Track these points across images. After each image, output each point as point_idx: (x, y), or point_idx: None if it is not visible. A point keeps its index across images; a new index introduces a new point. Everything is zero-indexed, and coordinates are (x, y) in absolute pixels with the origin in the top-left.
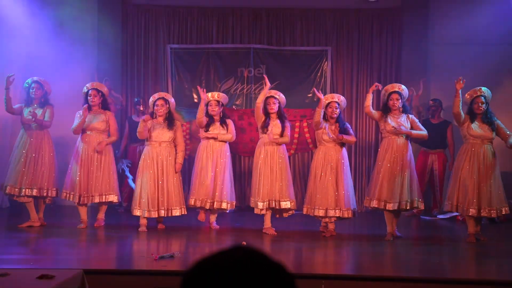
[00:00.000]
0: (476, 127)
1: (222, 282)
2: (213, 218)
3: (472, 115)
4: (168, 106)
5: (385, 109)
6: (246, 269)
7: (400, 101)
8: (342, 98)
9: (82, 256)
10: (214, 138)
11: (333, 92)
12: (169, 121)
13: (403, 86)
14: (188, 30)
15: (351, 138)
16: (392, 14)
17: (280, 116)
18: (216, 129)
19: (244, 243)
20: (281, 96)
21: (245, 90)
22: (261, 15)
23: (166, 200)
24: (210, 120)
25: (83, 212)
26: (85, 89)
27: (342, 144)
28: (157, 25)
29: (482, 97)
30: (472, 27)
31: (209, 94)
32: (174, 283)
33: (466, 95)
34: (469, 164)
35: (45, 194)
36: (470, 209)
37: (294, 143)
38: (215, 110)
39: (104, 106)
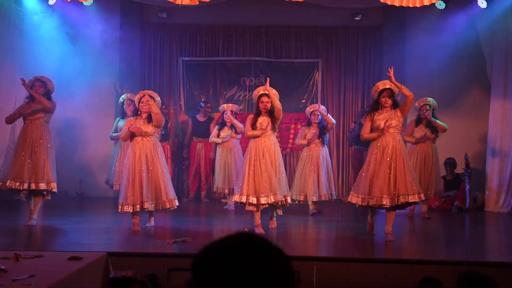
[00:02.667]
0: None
1: (227, 264)
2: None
3: (418, 120)
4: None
5: (376, 106)
6: (247, 253)
7: (392, 98)
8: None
9: (106, 240)
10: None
11: (323, 98)
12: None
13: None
14: (198, 44)
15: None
16: (374, 30)
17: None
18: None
19: (247, 229)
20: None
21: (247, 96)
22: (261, 32)
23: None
24: (222, 125)
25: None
26: (121, 99)
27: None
28: (171, 40)
29: (428, 105)
30: (443, 42)
31: (225, 105)
32: (186, 264)
33: (415, 103)
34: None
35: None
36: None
37: (290, 143)
38: (230, 117)
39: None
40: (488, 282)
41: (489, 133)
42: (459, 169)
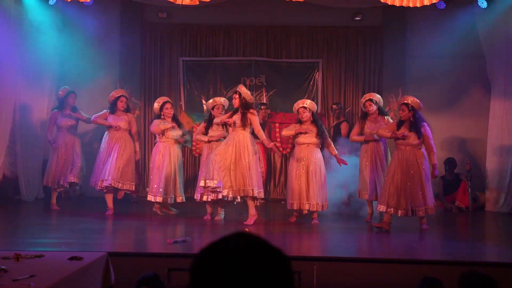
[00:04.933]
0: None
1: (226, 265)
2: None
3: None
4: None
5: (364, 116)
6: (246, 254)
7: (374, 106)
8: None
9: (106, 240)
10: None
11: (323, 98)
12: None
13: (376, 95)
14: (198, 44)
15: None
16: (375, 31)
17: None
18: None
19: (247, 229)
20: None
21: None
22: (261, 32)
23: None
24: (211, 123)
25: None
26: (156, 105)
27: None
28: (171, 40)
29: (371, 100)
30: (443, 42)
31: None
32: (186, 264)
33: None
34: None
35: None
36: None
37: (290, 142)
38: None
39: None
40: (490, 282)
41: (489, 132)
42: (459, 169)
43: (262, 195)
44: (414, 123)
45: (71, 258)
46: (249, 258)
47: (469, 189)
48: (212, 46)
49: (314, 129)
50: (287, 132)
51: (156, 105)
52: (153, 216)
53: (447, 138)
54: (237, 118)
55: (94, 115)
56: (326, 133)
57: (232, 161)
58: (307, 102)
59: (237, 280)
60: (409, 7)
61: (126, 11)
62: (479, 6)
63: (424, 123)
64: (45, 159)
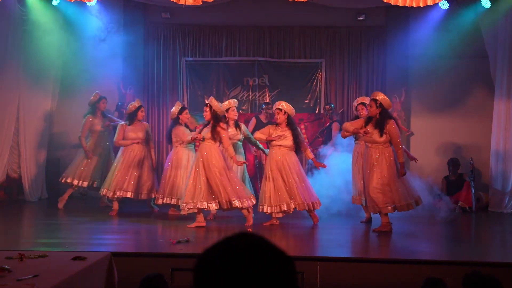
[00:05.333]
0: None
1: (229, 266)
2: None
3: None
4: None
5: (355, 119)
6: (250, 254)
7: (366, 110)
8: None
9: (110, 240)
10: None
11: (326, 98)
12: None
13: (367, 98)
14: (201, 45)
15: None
16: (378, 31)
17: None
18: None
19: (250, 229)
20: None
21: (250, 97)
22: (264, 32)
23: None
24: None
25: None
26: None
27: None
28: (174, 40)
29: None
30: (447, 42)
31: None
32: (189, 264)
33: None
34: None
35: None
36: None
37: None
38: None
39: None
40: (494, 282)
41: (493, 133)
42: (462, 169)
43: (247, 203)
44: (380, 121)
45: (75, 258)
46: (253, 258)
47: (473, 190)
48: (215, 46)
49: (289, 133)
50: (259, 135)
51: (175, 109)
52: (156, 216)
53: (451, 138)
54: (207, 131)
55: (115, 139)
56: (302, 137)
57: (204, 180)
58: (283, 104)
59: (240, 281)
60: (412, 7)
61: (129, 11)
62: (482, 6)
63: (391, 120)
64: (48, 159)
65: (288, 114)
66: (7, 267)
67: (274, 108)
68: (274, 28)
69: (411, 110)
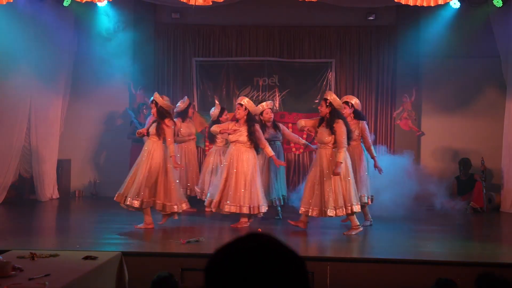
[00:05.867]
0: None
1: (240, 266)
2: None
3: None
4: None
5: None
6: (261, 255)
7: (348, 109)
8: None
9: (121, 240)
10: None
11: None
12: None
13: (353, 98)
14: (211, 45)
15: None
16: (388, 30)
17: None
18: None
19: (260, 230)
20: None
21: (260, 97)
22: (274, 32)
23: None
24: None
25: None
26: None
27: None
28: (184, 41)
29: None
30: (458, 41)
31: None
32: (199, 264)
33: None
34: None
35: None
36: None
37: (303, 143)
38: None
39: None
40: (506, 284)
41: (505, 133)
42: (473, 169)
43: (180, 208)
44: (329, 120)
45: (86, 258)
46: (264, 258)
47: (484, 190)
48: (225, 46)
49: (244, 128)
50: (214, 128)
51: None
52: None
53: (462, 138)
54: (153, 127)
55: (170, 139)
56: (260, 134)
57: (152, 177)
58: (245, 100)
59: (252, 281)
60: (422, 6)
61: (139, 12)
62: (494, 5)
63: (339, 120)
64: (60, 159)
65: (248, 110)
66: (19, 266)
67: (236, 103)
68: (284, 28)
69: (421, 110)
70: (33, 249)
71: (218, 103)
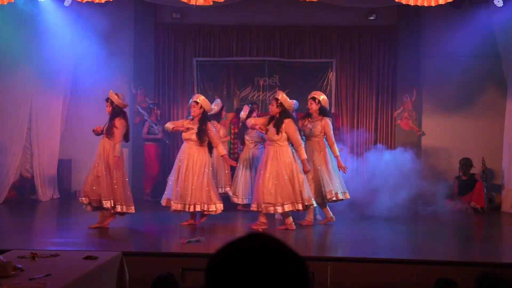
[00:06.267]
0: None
1: (241, 266)
2: None
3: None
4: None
5: (307, 114)
6: (263, 255)
7: (314, 105)
8: None
9: (121, 240)
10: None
11: (337, 98)
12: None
13: (321, 94)
14: (211, 44)
15: None
16: (389, 30)
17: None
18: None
19: (260, 230)
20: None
21: (260, 96)
22: (274, 32)
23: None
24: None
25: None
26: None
27: None
28: (185, 40)
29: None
30: (458, 41)
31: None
32: (200, 264)
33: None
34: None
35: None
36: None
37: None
38: None
39: None
40: (507, 284)
41: (505, 133)
42: (474, 169)
43: (121, 209)
44: (278, 119)
45: (86, 258)
46: (265, 259)
47: (485, 190)
48: (226, 46)
49: (196, 126)
50: (168, 124)
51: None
52: (166, 216)
53: (462, 138)
54: (105, 126)
55: (217, 140)
56: (211, 133)
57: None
58: (200, 98)
59: (252, 281)
60: (423, 6)
61: (140, 11)
62: (495, 4)
63: (288, 119)
64: (61, 158)
65: (204, 109)
66: (19, 266)
67: (191, 100)
68: (285, 28)
69: (422, 110)
70: (34, 249)
71: (247, 105)
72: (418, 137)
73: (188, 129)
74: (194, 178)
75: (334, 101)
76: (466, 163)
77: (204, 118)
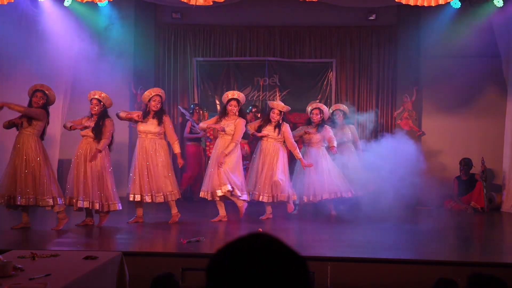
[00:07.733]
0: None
1: (241, 266)
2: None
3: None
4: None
5: (308, 122)
6: (264, 255)
7: (319, 116)
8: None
9: (121, 240)
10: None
11: (337, 98)
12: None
13: (320, 104)
14: (211, 45)
15: None
16: (389, 30)
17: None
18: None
19: (260, 229)
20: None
21: (260, 96)
22: (274, 32)
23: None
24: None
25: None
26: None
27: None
28: (185, 40)
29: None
30: (458, 41)
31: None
32: (200, 264)
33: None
34: None
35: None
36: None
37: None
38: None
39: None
40: (500, 284)
41: (506, 133)
42: (474, 169)
43: (57, 204)
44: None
45: (86, 258)
46: (266, 258)
47: (485, 190)
48: (226, 46)
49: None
50: (66, 123)
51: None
52: (167, 216)
53: (462, 138)
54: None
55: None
56: (105, 129)
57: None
58: (102, 95)
59: (253, 281)
60: (423, 6)
61: (140, 11)
62: (495, 4)
63: (242, 120)
64: (60, 159)
65: (104, 105)
66: (19, 266)
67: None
68: (285, 28)
69: (422, 110)
70: (34, 249)
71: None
72: (418, 137)
73: (86, 126)
74: (97, 176)
75: (334, 101)
76: (466, 163)
77: (104, 114)
